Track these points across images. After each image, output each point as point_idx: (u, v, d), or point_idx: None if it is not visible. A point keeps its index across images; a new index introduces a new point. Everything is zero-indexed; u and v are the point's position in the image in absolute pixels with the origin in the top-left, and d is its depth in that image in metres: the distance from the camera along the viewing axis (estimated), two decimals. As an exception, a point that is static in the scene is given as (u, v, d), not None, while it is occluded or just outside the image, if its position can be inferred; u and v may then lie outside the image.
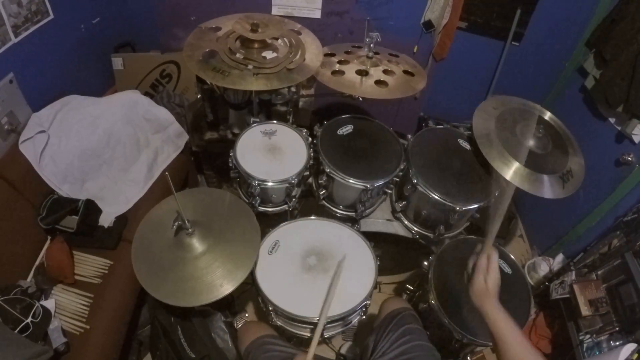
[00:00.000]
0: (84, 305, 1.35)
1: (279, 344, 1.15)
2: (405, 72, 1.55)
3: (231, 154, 1.43)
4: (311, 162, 1.47)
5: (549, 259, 1.90)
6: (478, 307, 0.90)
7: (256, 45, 1.44)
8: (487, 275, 0.91)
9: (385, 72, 1.51)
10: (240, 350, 1.21)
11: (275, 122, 1.57)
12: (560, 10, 1.90)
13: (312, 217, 1.41)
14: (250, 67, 1.35)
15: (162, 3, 2.03)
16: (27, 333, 1.14)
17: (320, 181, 1.51)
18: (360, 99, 1.46)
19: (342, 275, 1.21)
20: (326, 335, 1.21)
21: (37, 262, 1.40)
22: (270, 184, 1.36)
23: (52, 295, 1.35)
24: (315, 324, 1.15)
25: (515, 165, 1.35)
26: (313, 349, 0.94)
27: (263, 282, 1.20)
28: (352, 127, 1.59)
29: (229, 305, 1.56)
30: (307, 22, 1.95)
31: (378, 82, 1.47)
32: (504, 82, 2.19)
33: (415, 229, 1.57)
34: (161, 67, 2.07)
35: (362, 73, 1.50)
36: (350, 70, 1.51)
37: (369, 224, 1.60)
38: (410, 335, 1.12)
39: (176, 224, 1.08)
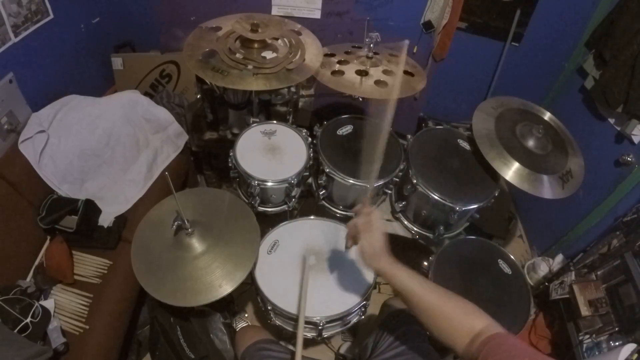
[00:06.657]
0: (83, 305, 1.34)
1: (274, 349, 1.14)
2: (405, 72, 1.55)
3: (231, 154, 1.43)
4: (311, 162, 1.47)
5: (549, 260, 1.90)
6: (372, 268, 0.87)
7: (256, 45, 1.44)
8: (371, 235, 0.86)
9: (385, 72, 1.51)
10: (237, 354, 1.21)
11: (275, 122, 1.57)
12: (560, 10, 1.89)
13: (312, 217, 1.41)
14: (249, 67, 1.35)
15: (162, 3, 2.03)
16: (27, 333, 1.14)
17: (320, 181, 1.51)
18: (360, 99, 1.46)
19: (342, 275, 1.21)
20: (325, 335, 1.21)
21: (36, 262, 1.40)
22: (269, 184, 1.36)
23: (51, 295, 1.35)
24: (314, 323, 1.15)
25: (515, 165, 1.35)
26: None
27: (262, 281, 1.20)
28: (352, 127, 1.59)
29: (228, 305, 1.55)
30: (307, 22, 1.95)
31: (378, 82, 1.47)
32: (504, 83, 2.19)
33: (415, 229, 1.56)
34: (161, 67, 2.07)
35: (362, 73, 1.50)
36: (350, 71, 1.51)
37: (368, 224, 1.60)
38: (410, 336, 1.12)
39: (176, 223, 1.08)
